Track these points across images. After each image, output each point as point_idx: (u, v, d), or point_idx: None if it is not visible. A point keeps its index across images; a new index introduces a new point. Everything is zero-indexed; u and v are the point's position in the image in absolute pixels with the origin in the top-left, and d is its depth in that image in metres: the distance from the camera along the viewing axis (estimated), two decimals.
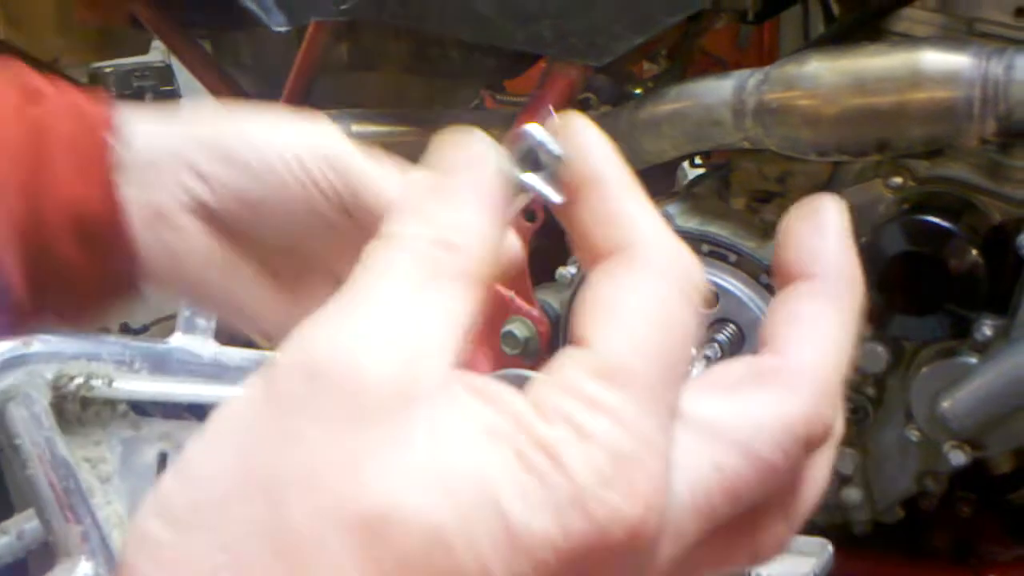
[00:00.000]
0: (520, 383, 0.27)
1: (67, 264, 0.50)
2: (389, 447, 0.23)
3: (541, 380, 0.25)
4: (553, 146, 0.28)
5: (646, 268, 0.27)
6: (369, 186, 0.49)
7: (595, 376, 0.24)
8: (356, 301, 0.26)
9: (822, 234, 0.30)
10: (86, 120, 0.51)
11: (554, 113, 0.30)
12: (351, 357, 0.24)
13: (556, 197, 0.29)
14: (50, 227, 0.49)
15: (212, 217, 0.50)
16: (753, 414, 0.27)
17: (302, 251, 0.53)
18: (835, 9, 1.40)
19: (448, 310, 0.25)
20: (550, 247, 1.36)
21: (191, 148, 0.50)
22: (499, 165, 0.28)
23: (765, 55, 2.23)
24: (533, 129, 0.29)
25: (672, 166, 1.65)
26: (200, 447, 0.24)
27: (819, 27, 1.71)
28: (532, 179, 0.28)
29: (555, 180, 0.29)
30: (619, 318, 0.26)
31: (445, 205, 0.27)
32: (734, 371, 0.29)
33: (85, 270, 0.50)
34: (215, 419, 0.24)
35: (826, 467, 0.30)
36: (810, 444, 0.28)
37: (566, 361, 0.25)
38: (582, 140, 0.29)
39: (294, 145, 0.49)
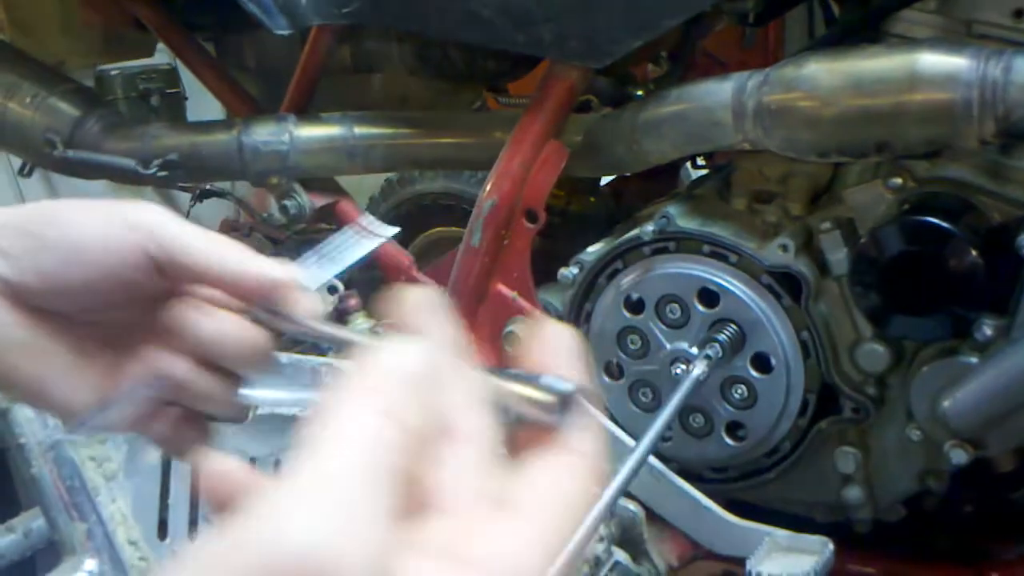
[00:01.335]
0: (564, 398, 0.35)
1: None
2: None
3: None
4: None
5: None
6: (187, 251, 0.50)
7: None
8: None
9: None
10: None
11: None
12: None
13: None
14: None
15: (17, 297, 0.50)
16: None
17: (116, 329, 0.52)
18: (836, 11, 1.40)
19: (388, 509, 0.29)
20: (552, 248, 1.37)
21: None
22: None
23: (770, 56, 2.24)
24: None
25: (674, 167, 1.66)
26: None
27: (824, 28, 1.72)
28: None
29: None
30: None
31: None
32: None
33: None
34: None
35: None
36: None
37: None
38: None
39: (102, 221, 0.50)
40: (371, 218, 0.53)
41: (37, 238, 0.50)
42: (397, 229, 0.51)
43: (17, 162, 2.25)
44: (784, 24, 2.38)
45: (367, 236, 0.51)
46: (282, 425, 1.18)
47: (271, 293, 0.50)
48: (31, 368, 0.51)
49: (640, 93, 1.47)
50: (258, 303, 0.51)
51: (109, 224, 0.50)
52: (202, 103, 2.42)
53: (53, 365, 0.51)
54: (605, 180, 1.68)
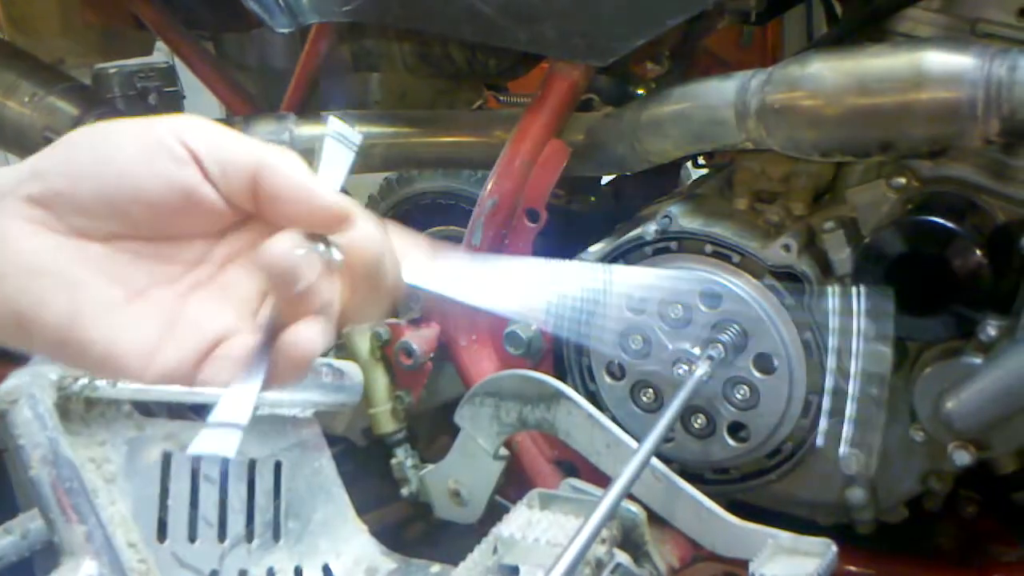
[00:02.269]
0: None
1: None
2: None
3: None
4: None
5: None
6: (272, 180, 0.45)
7: None
8: None
9: None
10: None
11: None
12: None
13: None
14: None
15: (52, 221, 0.43)
16: None
17: (175, 260, 0.46)
18: (838, 9, 1.40)
19: None
20: (552, 248, 1.36)
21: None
22: None
23: (768, 55, 2.23)
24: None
25: (675, 166, 1.65)
26: None
27: (823, 27, 1.71)
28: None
29: None
30: None
31: None
32: None
33: None
34: None
35: None
36: None
37: None
38: None
39: (144, 155, 0.45)
40: (336, 122, 0.51)
41: (77, 163, 0.44)
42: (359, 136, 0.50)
43: (15, 160, 2.25)
44: (782, 23, 2.38)
45: (343, 143, 0.51)
46: (281, 426, 1.18)
47: (335, 224, 0.46)
48: (63, 302, 0.43)
49: (641, 92, 1.46)
50: (314, 232, 0.46)
51: (153, 158, 0.44)
52: (199, 102, 2.41)
53: (91, 299, 0.43)
54: (606, 179, 1.68)
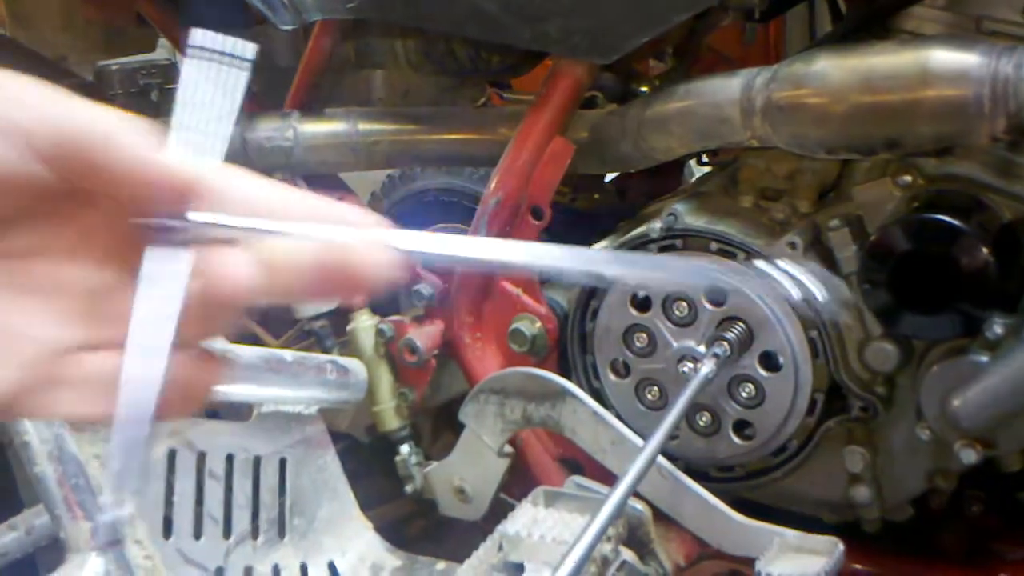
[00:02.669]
0: None
1: None
2: None
3: None
4: None
5: None
6: (108, 150, 0.35)
7: None
8: None
9: None
10: None
11: None
12: None
13: None
14: None
15: None
16: None
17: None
18: (842, 7, 1.39)
19: None
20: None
21: None
22: None
23: (771, 52, 2.23)
24: None
25: (679, 164, 1.65)
26: None
27: (825, 24, 1.71)
28: None
29: None
30: None
31: None
32: None
33: None
34: None
35: None
36: None
37: None
38: None
39: None
40: (203, 34, 0.40)
41: None
42: (252, 47, 0.40)
43: None
44: (785, 20, 2.37)
45: (223, 63, 0.39)
46: (286, 423, 1.18)
47: (183, 196, 0.37)
48: None
49: (645, 89, 1.46)
50: (164, 207, 0.37)
51: None
52: None
53: None
54: (610, 177, 1.68)
